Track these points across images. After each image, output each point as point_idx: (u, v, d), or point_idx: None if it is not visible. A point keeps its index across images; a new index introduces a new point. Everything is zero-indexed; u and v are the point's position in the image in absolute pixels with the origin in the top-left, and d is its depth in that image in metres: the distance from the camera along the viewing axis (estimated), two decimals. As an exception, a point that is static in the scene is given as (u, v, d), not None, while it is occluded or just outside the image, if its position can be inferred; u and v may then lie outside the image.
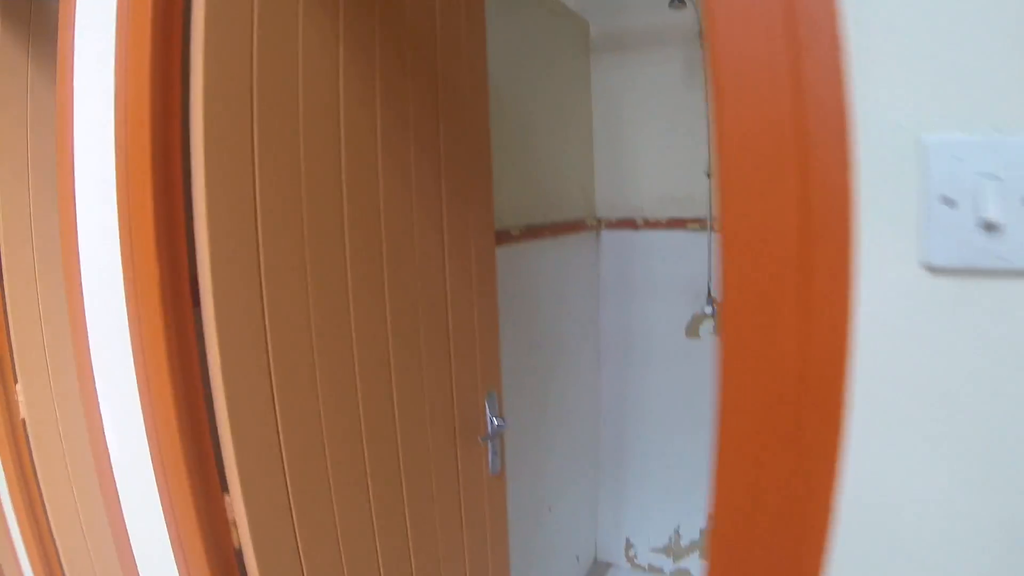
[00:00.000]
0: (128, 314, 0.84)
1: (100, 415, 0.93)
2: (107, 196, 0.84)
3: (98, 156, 0.85)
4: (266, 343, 0.85)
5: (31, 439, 1.29)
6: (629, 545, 2.42)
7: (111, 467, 0.94)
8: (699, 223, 2.10)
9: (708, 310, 2.13)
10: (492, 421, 1.35)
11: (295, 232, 0.89)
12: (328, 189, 0.95)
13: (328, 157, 0.95)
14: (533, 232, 1.80)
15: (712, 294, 2.13)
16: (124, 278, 0.83)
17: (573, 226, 2.08)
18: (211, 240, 0.77)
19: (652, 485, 2.35)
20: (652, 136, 2.14)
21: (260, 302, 0.83)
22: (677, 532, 2.33)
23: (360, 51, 0.99)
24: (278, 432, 0.87)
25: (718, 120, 0.48)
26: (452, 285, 1.22)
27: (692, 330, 2.20)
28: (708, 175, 2.06)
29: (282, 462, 0.88)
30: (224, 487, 0.85)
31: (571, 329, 2.14)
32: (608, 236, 2.26)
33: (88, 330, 0.92)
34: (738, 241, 0.48)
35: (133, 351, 0.84)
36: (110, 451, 0.94)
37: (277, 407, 0.87)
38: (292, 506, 0.89)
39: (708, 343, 2.20)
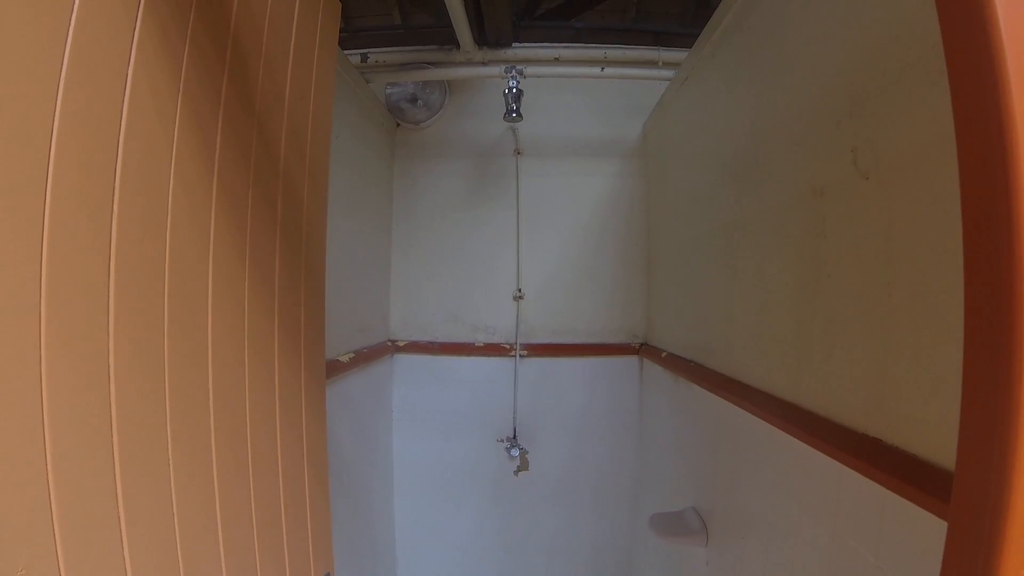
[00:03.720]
0: None
1: None
2: None
3: None
4: None
5: None
6: None
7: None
8: (504, 350, 1.96)
9: (512, 451, 1.94)
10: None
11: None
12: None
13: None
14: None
15: (516, 426, 1.98)
16: None
17: (372, 353, 1.73)
18: None
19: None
20: (456, 252, 1.99)
21: None
22: None
23: (197, 131, 0.61)
24: None
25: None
26: (284, 439, 0.79)
27: (494, 463, 1.99)
28: (516, 299, 1.97)
29: None
30: None
31: (366, 461, 1.71)
32: (402, 360, 1.96)
33: None
34: None
35: None
36: None
37: None
38: None
39: (510, 476, 2.01)
